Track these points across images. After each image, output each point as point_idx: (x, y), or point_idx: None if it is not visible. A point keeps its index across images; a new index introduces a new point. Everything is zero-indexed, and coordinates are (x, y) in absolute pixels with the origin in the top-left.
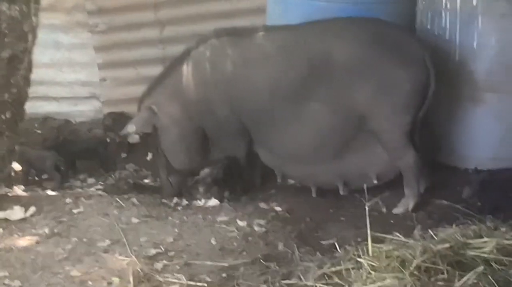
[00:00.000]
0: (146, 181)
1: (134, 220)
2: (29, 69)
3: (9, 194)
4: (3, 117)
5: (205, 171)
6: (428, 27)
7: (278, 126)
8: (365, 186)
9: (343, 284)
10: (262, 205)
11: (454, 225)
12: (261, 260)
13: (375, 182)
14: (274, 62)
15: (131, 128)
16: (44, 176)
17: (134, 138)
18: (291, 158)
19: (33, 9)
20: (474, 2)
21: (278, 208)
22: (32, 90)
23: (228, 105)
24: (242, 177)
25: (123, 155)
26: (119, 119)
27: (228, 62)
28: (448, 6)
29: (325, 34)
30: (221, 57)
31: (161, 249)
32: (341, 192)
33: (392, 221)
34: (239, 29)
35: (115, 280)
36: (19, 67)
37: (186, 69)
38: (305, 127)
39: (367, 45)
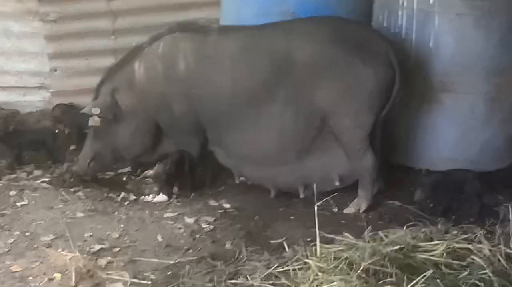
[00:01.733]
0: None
1: (79, 215)
2: None
3: None
4: None
5: (156, 166)
6: (385, 24)
7: (238, 127)
8: (314, 186)
9: (290, 284)
10: (211, 202)
11: (405, 227)
12: (208, 259)
13: (337, 184)
14: (234, 63)
15: (95, 110)
16: None
17: (95, 121)
18: (250, 159)
19: None
20: (431, 1)
21: (227, 205)
22: None
23: (186, 102)
24: (192, 174)
25: (72, 147)
26: (68, 111)
27: (184, 59)
28: (405, 4)
29: (286, 35)
30: (177, 53)
31: (106, 245)
32: (301, 195)
33: (342, 221)
34: (195, 25)
35: (57, 276)
36: None
37: (140, 64)
38: (265, 129)
39: (328, 44)
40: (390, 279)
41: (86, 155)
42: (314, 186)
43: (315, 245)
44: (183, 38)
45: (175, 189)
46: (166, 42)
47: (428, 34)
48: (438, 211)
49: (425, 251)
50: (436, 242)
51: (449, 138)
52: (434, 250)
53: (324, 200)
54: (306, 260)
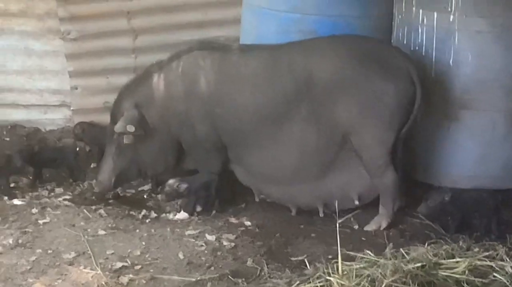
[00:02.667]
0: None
1: (101, 232)
2: None
3: None
4: None
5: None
6: (405, 42)
7: (258, 146)
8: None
9: None
10: (232, 219)
11: (426, 244)
12: (229, 276)
13: (357, 203)
14: (255, 81)
15: (130, 127)
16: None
17: (130, 139)
18: (271, 178)
19: None
20: (451, 18)
21: (248, 223)
22: (1, 97)
23: (207, 120)
24: (215, 193)
25: (93, 165)
26: (89, 129)
27: (205, 78)
28: (425, 21)
29: (307, 53)
30: (198, 72)
31: (128, 263)
32: (321, 214)
33: (363, 239)
34: (215, 43)
35: None
36: None
37: (160, 82)
38: (286, 148)
39: (348, 62)
40: None
41: (110, 172)
42: (336, 203)
43: (336, 262)
44: (203, 56)
45: (198, 208)
46: (187, 60)
47: (448, 51)
48: (451, 227)
49: (447, 268)
50: (457, 259)
51: (470, 155)
52: (456, 267)
53: (345, 217)
54: (328, 278)
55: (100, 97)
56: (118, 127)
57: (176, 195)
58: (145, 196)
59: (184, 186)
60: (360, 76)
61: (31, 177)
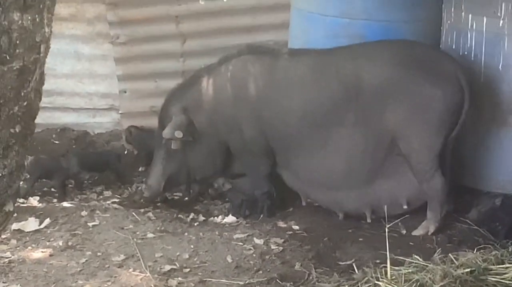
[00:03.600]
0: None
1: (150, 235)
2: (41, 81)
3: (24, 205)
4: (12, 131)
5: (223, 183)
6: (453, 47)
7: (306, 150)
8: (385, 207)
9: None
10: (280, 223)
11: (475, 250)
12: (277, 280)
13: (405, 207)
14: (304, 86)
15: (178, 133)
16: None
17: (178, 144)
18: (318, 183)
19: (46, 19)
20: (500, 23)
21: (296, 227)
22: (51, 100)
23: (256, 125)
24: (269, 198)
25: (141, 168)
26: (138, 133)
27: (254, 82)
28: (474, 26)
29: (355, 58)
30: (247, 76)
31: (176, 266)
32: (368, 220)
33: (411, 244)
34: (264, 48)
35: None
36: (30, 79)
37: (209, 86)
38: (334, 152)
39: (397, 67)
40: None
41: (159, 177)
42: (385, 208)
43: (385, 267)
44: (252, 61)
45: (246, 211)
46: (236, 65)
47: (497, 57)
48: (501, 233)
49: (497, 274)
50: (507, 265)
51: None
52: (506, 273)
53: (393, 222)
54: (377, 282)
55: (148, 101)
56: (166, 133)
57: (220, 193)
58: (192, 200)
59: (228, 186)
60: (408, 81)
61: (84, 182)
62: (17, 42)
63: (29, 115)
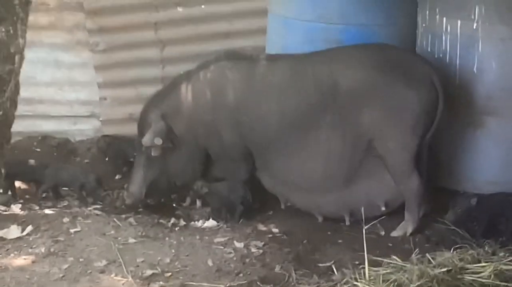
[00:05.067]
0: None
1: (131, 240)
2: (16, 91)
3: (6, 212)
4: None
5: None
6: (429, 50)
7: (285, 154)
8: (362, 209)
9: None
10: (260, 226)
11: (452, 250)
12: (258, 282)
13: (383, 209)
14: (282, 91)
15: (157, 140)
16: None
17: (158, 151)
18: (297, 186)
19: (20, 30)
20: (474, 26)
21: (275, 230)
22: (32, 109)
23: (235, 130)
24: (243, 203)
25: (118, 176)
26: (113, 142)
27: (232, 88)
28: (449, 29)
29: (331, 62)
30: (225, 81)
31: (158, 270)
32: (347, 222)
33: (390, 244)
34: (242, 53)
35: None
36: (5, 89)
37: (188, 92)
38: (313, 156)
39: (372, 69)
40: None
41: (141, 183)
42: (362, 210)
43: (363, 268)
44: (230, 67)
45: (227, 216)
46: (214, 71)
47: (472, 59)
48: (477, 232)
49: (473, 273)
50: (483, 264)
51: (494, 162)
52: (482, 272)
53: (371, 223)
54: (355, 283)
55: (129, 108)
56: (145, 140)
57: (197, 197)
58: (173, 205)
59: (205, 190)
60: (384, 84)
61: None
62: None
63: (4, 124)
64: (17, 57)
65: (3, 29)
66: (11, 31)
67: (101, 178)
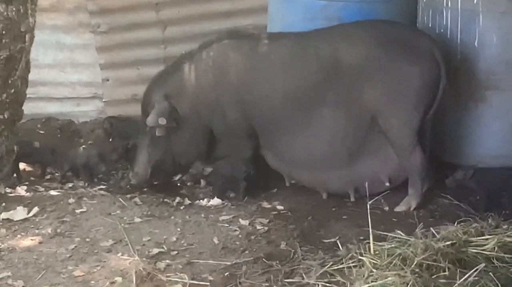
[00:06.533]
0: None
1: (137, 220)
2: (27, 69)
3: (12, 194)
4: (1, 117)
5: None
6: (430, 25)
7: (288, 131)
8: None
9: (345, 282)
10: (264, 204)
11: (455, 223)
12: (264, 259)
13: (387, 184)
14: (284, 68)
15: (161, 120)
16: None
17: (162, 131)
18: (301, 163)
19: (30, 9)
20: (475, 1)
21: (280, 207)
22: (35, 91)
23: (238, 108)
24: (246, 179)
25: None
26: (118, 123)
27: (235, 66)
28: (449, 4)
29: (333, 39)
30: (228, 60)
31: (164, 249)
32: (352, 199)
33: (394, 219)
34: (243, 32)
35: (118, 279)
36: (17, 68)
37: (191, 72)
38: (317, 133)
39: (374, 46)
40: (443, 274)
41: (146, 164)
42: (366, 185)
43: (368, 243)
44: (233, 46)
45: (231, 194)
46: (217, 50)
47: (473, 33)
48: (480, 206)
49: (477, 245)
50: (487, 236)
51: (496, 135)
52: (486, 245)
53: (375, 199)
54: (360, 258)
55: (131, 88)
56: (149, 121)
57: (201, 177)
58: (178, 184)
59: (209, 169)
60: (386, 60)
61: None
62: (3, 32)
63: (16, 102)
64: (27, 36)
65: (14, 8)
66: (21, 10)
67: (104, 155)
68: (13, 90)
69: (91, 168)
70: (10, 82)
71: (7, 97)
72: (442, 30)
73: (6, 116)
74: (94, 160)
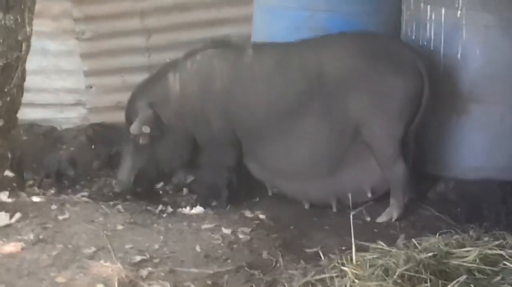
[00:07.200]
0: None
1: (119, 227)
2: (22, 77)
3: None
4: None
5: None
6: (413, 37)
7: (272, 141)
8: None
9: None
10: (247, 213)
11: (437, 235)
12: (246, 268)
13: (369, 195)
14: (269, 78)
15: (145, 129)
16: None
17: (146, 139)
18: (284, 173)
19: (27, 18)
20: (458, 14)
21: (262, 216)
22: None
23: (222, 117)
24: (228, 187)
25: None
26: (101, 130)
27: (220, 76)
28: (433, 17)
29: (317, 49)
30: (212, 70)
31: (146, 256)
32: (334, 209)
33: (375, 230)
34: (228, 41)
35: (100, 286)
36: (13, 76)
37: (176, 81)
38: (299, 142)
39: (359, 57)
40: (425, 285)
41: (129, 171)
42: (349, 195)
43: (350, 253)
44: (217, 55)
45: (213, 202)
46: (201, 59)
47: (456, 46)
48: (461, 218)
49: (458, 257)
50: (468, 248)
51: (478, 148)
52: (467, 256)
53: (357, 209)
54: (343, 268)
55: (115, 96)
56: (133, 129)
57: (183, 185)
58: (160, 192)
59: (191, 177)
60: (370, 71)
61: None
62: (0, 41)
63: (12, 110)
64: (24, 45)
65: (12, 17)
66: (19, 19)
67: (76, 160)
68: (9, 98)
69: (61, 173)
70: (6, 90)
71: (2, 105)
72: (425, 43)
73: (1, 123)
74: (64, 165)
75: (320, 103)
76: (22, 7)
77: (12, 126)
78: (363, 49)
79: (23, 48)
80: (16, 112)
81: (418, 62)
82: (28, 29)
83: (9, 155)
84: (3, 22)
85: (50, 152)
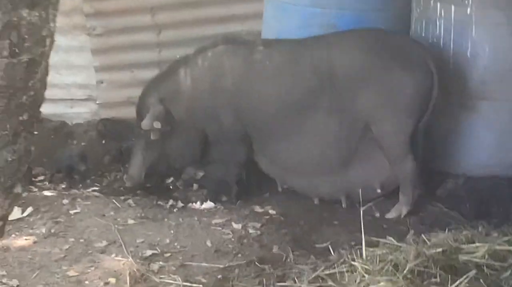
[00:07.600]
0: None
1: (130, 221)
2: (45, 72)
3: None
4: (20, 118)
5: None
6: (423, 35)
7: (283, 138)
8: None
9: (337, 286)
10: (257, 208)
11: (446, 230)
12: (256, 263)
13: (379, 191)
14: (280, 75)
15: (156, 124)
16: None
17: (157, 135)
18: (294, 169)
19: (51, 14)
20: (468, 11)
21: (272, 212)
22: None
23: (233, 113)
24: (239, 183)
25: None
26: (112, 125)
27: (230, 72)
28: (443, 14)
29: (328, 47)
30: (223, 66)
31: (157, 250)
32: (344, 205)
33: (385, 226)
34: (239, 38)
35: (112, 280)
36: (37, 71)
37: (187, 77)
38: (310, 139)
39: (369, 54)
40: (434, 280)
41: (140, 166)
42: (360, 191)
43: (360, 248)
44: (228, 51)
45: (224, 198)
46: (212, 55)
47: (465, 44)
48: (470, 214)
49: (467, 253)
50: (477, 244)
51: (487, 145)
52: (476, 252)
53: (367, 205)
54: (352, 263)
55: (125, 91)
56: (144, 124)
57: (193, 181)
58: (171, 187)
59: (201, 174)
60: (380, 68)
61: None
62: (26, 36)
63: (35, 104)
64: (48, 40)
65: (36, 14)
66: (44, 15)
67: (86, 155)
68: (32, 93)
69: (72, 168)
70: (30, 84)
71: (26, 99)
72: (435, 40)
73: (25, 117)
74: (75, 160)
75: (330, 99)
76: (47, 3)
77: (36, 120)
78: (373, 46)
79: (47, 43)
80: (40, 106)
81: (427, 59)
82: (52, 25)
83: (32, 149)
84: (28, 18)
85: (61, 147)
